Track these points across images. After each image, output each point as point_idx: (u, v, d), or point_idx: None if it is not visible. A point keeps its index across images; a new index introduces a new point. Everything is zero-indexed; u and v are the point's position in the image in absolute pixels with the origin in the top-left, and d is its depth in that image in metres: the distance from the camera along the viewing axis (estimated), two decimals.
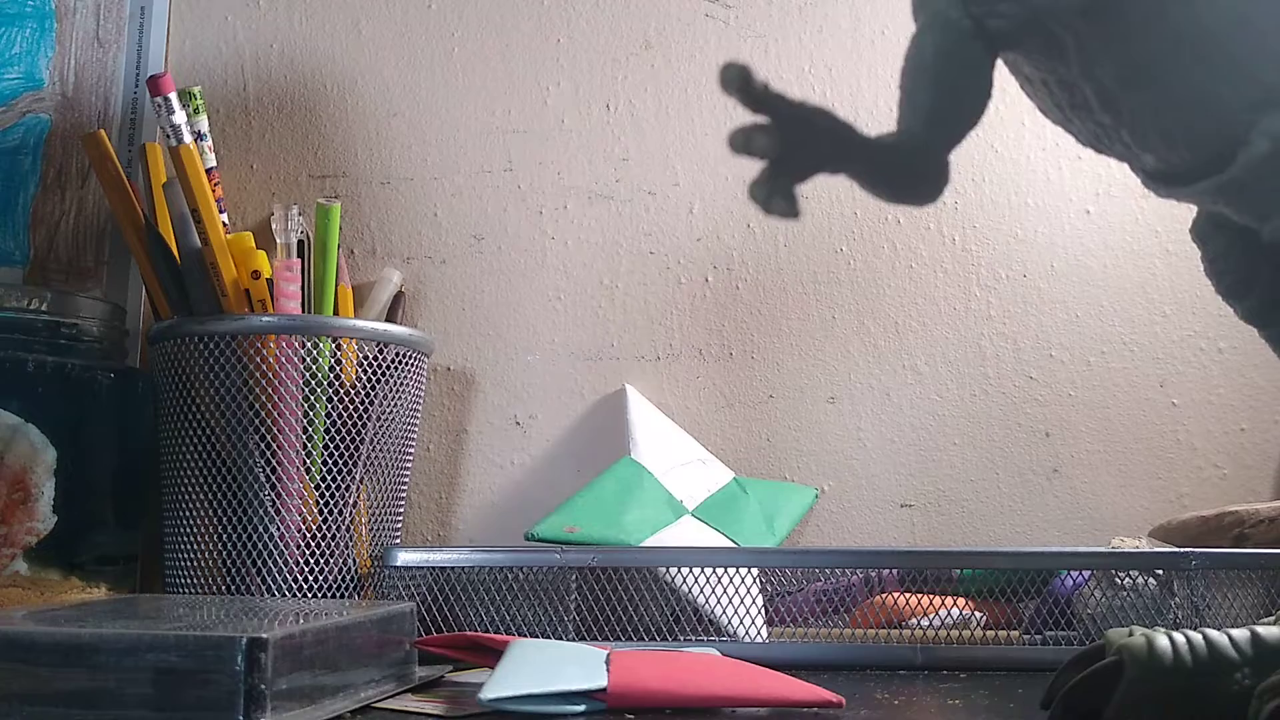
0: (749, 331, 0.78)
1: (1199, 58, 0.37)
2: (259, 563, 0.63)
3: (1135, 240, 0.77)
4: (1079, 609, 0.60)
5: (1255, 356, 0.76)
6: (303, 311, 0.67)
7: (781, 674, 0.47)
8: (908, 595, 0.63)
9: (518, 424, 0.78)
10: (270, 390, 0.64)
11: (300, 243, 0.68)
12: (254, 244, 0.68)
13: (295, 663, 0.41)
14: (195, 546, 0.65)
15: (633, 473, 0.70)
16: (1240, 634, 0.40)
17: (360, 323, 0.68)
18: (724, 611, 0.62)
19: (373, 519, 0.68)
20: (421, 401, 0.72)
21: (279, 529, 0.64)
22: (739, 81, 0.37)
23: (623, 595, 0.61)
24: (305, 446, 0.65)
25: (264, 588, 0.63)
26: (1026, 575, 0.62)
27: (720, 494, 0.73)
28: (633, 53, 0.80)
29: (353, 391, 0.66)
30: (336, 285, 0.70)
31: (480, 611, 0.61)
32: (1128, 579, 0.59)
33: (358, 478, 0.66)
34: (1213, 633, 0.40)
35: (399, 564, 0.61)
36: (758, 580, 0.62)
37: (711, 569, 0.61)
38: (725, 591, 0.61)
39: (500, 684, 0.44)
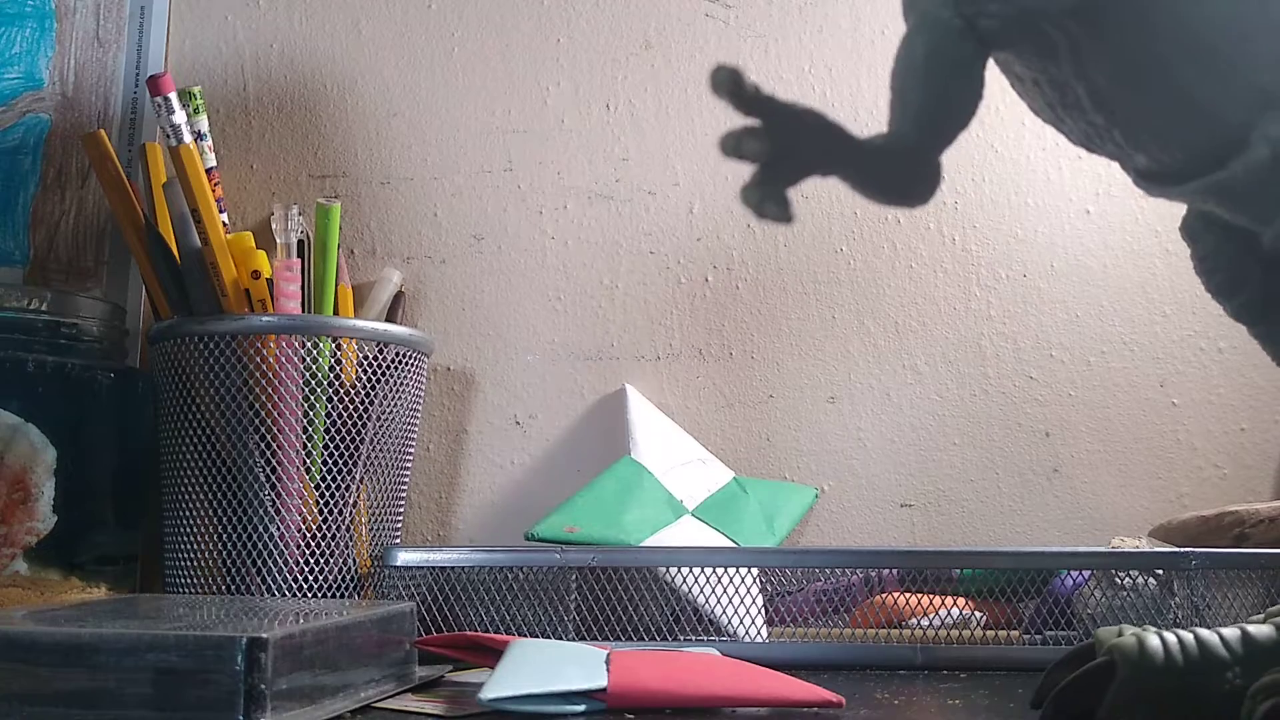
0: (749, 331, 0.78)
1: (1190, 57, 0.37)
2: (259, 563, 0.63)
3: (1135, 240, 0.77)
4: (1079, 609, 0.60)
5: (1255, 356, 0.75)
6: (303, 311, 0.67)
7: (781, 674, 0.47)
8: (908, 595, 0.63)
9: (518, 424, 0.78)
10: (270, 390, 0.64)
11: (300, 243, 0.68)
12: (254, 244, 0.68)
13: (295, 663, 0.41)
14: (195, 546, 0.65)
15: (633, 472, 0.70)
16: (1231, 633, 0.40)
17: (360, 323, 0.68)
18: (724, 611, 0.62)
19: (373, 519, 0.68)
20: (421, 401, 0.72)
21: (279, 529, 0.64)
22: (729, 84, 0.37)
23: (623, 595, 0.61)
24: (305, 446, 0.65)
25: (264, 588, 0.63)
26: (1026, 575, 0.62)
27: (720, 494, 0.73)
28: (632, 53, 0.80)
29: (353, 391, 0.66)
30: (336, 285, 0.70)
31: (480, 611, 0.61)
32: (1128, 579, 0.59)
33: (358, 478, 0.66)
34: (1203, 632, 0.40)
35: (399, 564, 0.61)
36: (758, 580, 0.62)
37: (711, 569, 0.61)
38: (725, 591, 0.61)
39: (500, 684, 0.44)
